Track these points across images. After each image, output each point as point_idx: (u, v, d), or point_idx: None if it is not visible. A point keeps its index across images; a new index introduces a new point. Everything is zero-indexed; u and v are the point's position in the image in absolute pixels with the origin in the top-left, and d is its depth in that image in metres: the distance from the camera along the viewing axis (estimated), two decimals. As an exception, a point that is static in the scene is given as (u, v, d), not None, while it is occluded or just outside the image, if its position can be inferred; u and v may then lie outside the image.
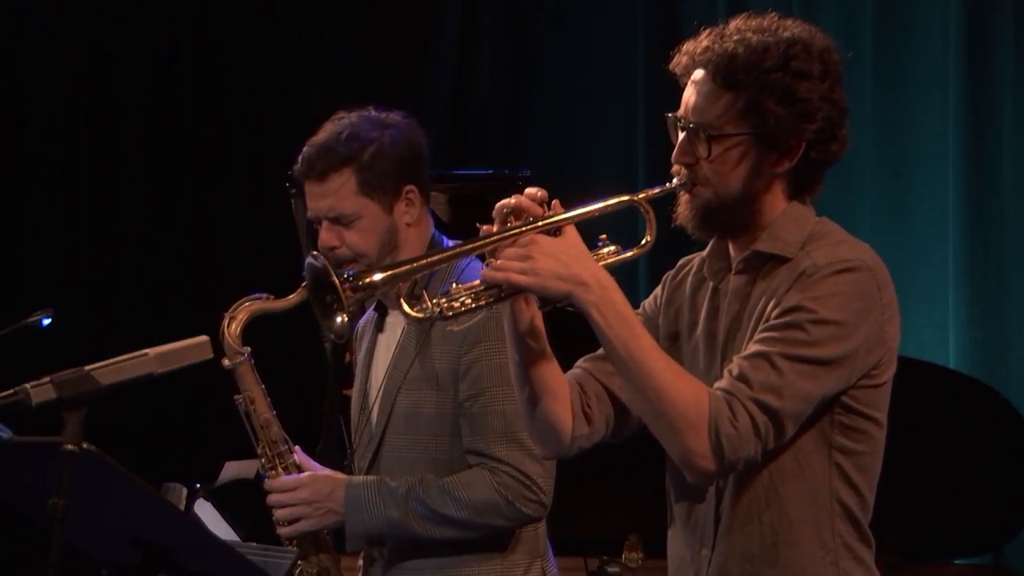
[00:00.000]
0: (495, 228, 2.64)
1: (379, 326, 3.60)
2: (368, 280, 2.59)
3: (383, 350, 3.58)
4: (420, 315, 2.65)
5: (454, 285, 2.66)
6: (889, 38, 6.00)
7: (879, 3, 6.03)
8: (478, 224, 2.67)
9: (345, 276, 2.58)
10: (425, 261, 2.69)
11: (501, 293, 2.64)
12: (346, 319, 2.58)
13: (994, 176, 5.82)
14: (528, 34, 6.85)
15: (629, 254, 2.74)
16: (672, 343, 2.84)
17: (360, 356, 3.65)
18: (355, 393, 3.64)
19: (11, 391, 2.77)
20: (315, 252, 2.61)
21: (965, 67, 5.83)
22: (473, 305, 2.65)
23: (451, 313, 2.64)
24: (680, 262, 2.92)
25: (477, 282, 2.64)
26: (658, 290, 2.93)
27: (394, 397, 3.49)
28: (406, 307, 2.64)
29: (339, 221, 3.47)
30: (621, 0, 6.58)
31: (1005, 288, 5.79)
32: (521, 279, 2.59)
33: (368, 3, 7.01)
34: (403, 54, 6.94)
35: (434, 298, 2.64)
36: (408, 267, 2.67)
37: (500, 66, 6.88)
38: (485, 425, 3.40)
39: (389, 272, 2.63)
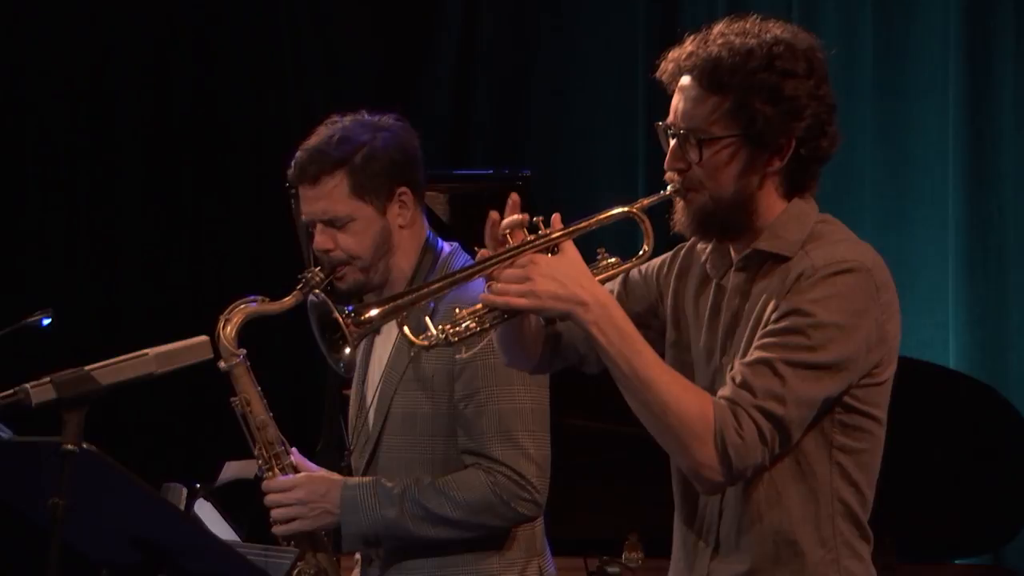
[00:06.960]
0: (489, 248, 2.64)
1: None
2: (367, 315, 2.61)
3: (379, 352, 3.58)
4: (426, 343, 2.67)
5: (457, 310, 2.67)
6: (889, 38, 6.00)
7: (879, 3, 6.03)
8: (477, 248, 2.68)
9: (346, 312, 2.60)
10: (425, 291, 2.70)
11: (504, 315, 2.66)
12: (352, 350, 2.62)
13: (994, 176, 5.82)
14: (529, 35, 6.84)
15: (628, 265, 2.75)
16: (676, 332, 2.85)
17: (356, 358, 3.65)
18: (352, 394, 3.65)
19: (11, 391, 2.77)
20: (316, 291, 2.63)
21: (965, 67, 5.83)
22: (478, 328, 2.66)
23: (456, 339, 2.65)
24: (699, 245, 2.87)
25: (480, 305, 2.65)
26: (668, 256, 2.91)
27: (390, 399, 3.50)
28: (411, 336, 2.67)
29: (333, 224, 3.48)
30: (622, 3, 6.58)
31: (1005, 288, 5.79)
32: (520, 302, 2.60)
33: (368, 3, 7.00)
34: (403, 54, 6.93)
35: (438, 324, 2.66)
36: (408, 298, 2.68)
37: (501, 67, 6.88)
38: (480, 425, 3.41)
39: (388, 305, 2.65)
